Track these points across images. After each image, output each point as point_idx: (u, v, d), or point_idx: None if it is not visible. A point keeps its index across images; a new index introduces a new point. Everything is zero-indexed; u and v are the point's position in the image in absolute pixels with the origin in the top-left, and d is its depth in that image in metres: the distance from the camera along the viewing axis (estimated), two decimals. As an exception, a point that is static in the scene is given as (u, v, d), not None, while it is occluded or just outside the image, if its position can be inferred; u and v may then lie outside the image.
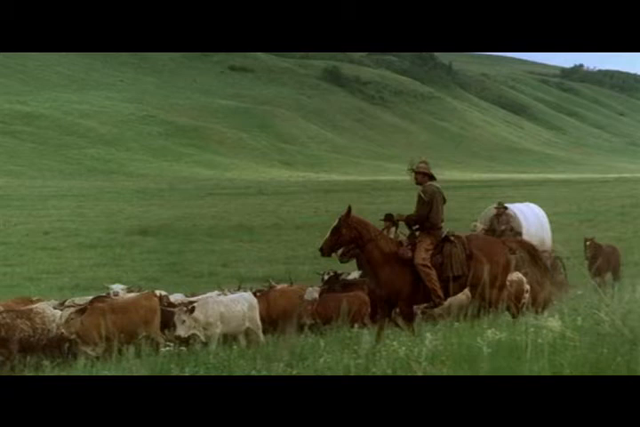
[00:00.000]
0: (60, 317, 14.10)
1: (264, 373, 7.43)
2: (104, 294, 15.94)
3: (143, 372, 8.35)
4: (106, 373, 8.90)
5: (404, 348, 6.88)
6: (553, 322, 6.63)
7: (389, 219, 12.89)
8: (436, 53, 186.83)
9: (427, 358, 6.45)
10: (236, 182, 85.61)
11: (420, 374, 6.10)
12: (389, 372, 6.37)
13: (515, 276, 13.77)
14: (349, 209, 11.42)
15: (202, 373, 8.21)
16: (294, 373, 7.23)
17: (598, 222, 43.33)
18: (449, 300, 11.80)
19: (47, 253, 36.58)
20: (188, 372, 8.27)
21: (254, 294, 16.00)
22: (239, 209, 53.66)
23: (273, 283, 17.35)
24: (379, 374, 6.38)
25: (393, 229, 12.36)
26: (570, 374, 5.66)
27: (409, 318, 11.48)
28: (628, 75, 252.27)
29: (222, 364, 8.72)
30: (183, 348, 13.13)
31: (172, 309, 14.73)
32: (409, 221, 11.65)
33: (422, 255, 11.21)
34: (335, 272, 16.81)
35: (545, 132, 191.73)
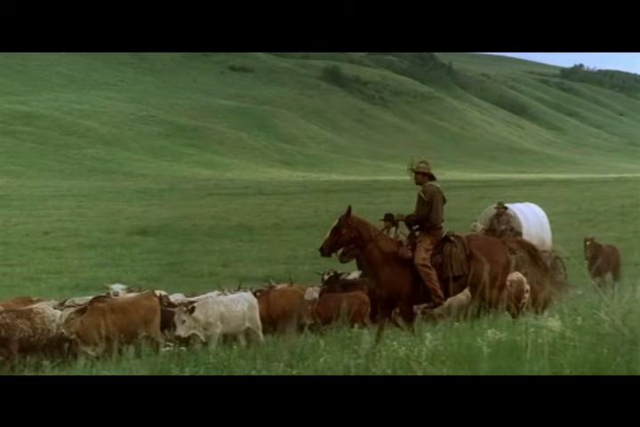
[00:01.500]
0: (60, 317, 14.10)
1: (264, 373, 7.43)
2: (104, 294, 15.94)
3: (143, 372, 8.35)
4: (106, 373, 8.90)
5: (403, 348, 6.87)
6: (553, 322, 6.63)
7: (389, 219, 12.88)
8: (435, 53, 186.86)
9: (427, 358, 6.44)
10: (236, 182, 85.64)
11: (420, 374, 6.10)
12: (389, 372, 6.37)
13: (515, 276, 13.76)
14: (349, 209, 11.42)
15: (202, 373, 8.21)
16: (294, 373, 7.23)
17: (598, 222, 43.32)
18: (449, 300, 11.79)
19: (47, 253, 36.60)
20: (188, 372, 8.27)
21: (254, 294, 16.00)
22: (239, 209, 53.67)
23: (273, 283, 17.35)
24: (379, 374, 6.38)
25: (393, 229, 12.35)
26: (570, 374, 5.66)
27: (409, 318, 11.47)
28: (627, 75, 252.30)
29: (222, 364, 8.71)
30: (183, 348, 13.14)
31: (172, 309, 14.73)
32: (409, 221, 11.65)
33: (422, 255, 11.21)
34: (335, 272, 16.81)
35: (545, 132, 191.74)
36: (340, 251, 13.42)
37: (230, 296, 15.59)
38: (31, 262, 33.92)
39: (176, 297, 16.65)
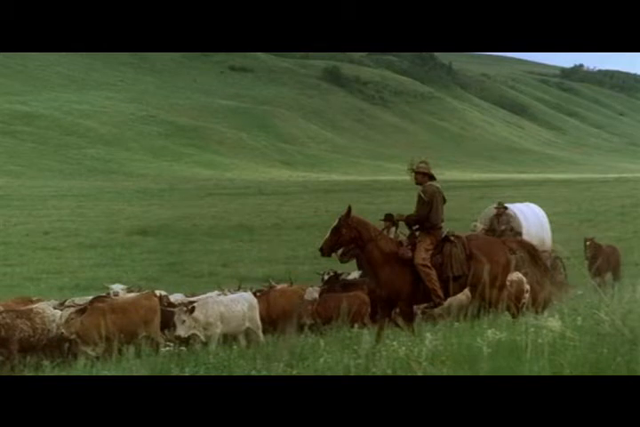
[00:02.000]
0: (60, 317, 14.10)
1: (264, 373, 7.43)
2: (104, 294, 15.94)
3: (143, 372, 8.36)
4: (106, 373, 8.90)
5: (403, 348, 6.87)
6: (553, 322, 6.63)
7: (389, 219, 12.88)
8: (435, 53, 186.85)
9: (427, 358, 6.44)
10: (236, 182, 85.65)
11: (420, 374, 6.10)
12: (389, 372, 6.37)
13: (515, 276, 13.76)
14: (349, 209, 11.42)
15: (202, 373, 8.21)
16: (294, 373, 7.22)
17: (598, 222, 43.32)
18: (449, 300, 11.79)
19: (47, 253, 36.60)
20: (188, 372, 8.27)
21: (254, 294, 16.00)
22: (239, 209, 53.68)
23: (273, 283, 17.35)
24: (379, 374, 6.38)
25: (393, 229, 12.36)
26: (570, 374, 5.66)
27: (409, 318, 11.47)
28: (627, 75, 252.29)
29: (222, 364, 8.71)
30: (183, 348, 13.14)
31: (172, 309, 14.73)
32: (409, 221, 11.65)
33: (422, 255, 11.21)
34: (335, 272, 16.81)
35: (545, 132, 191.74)
36: (340, 251, 13.42)
37: (230, 296, 15.59)
38: (31, 262, 33.93)
39: (176, 297, 16.65)
